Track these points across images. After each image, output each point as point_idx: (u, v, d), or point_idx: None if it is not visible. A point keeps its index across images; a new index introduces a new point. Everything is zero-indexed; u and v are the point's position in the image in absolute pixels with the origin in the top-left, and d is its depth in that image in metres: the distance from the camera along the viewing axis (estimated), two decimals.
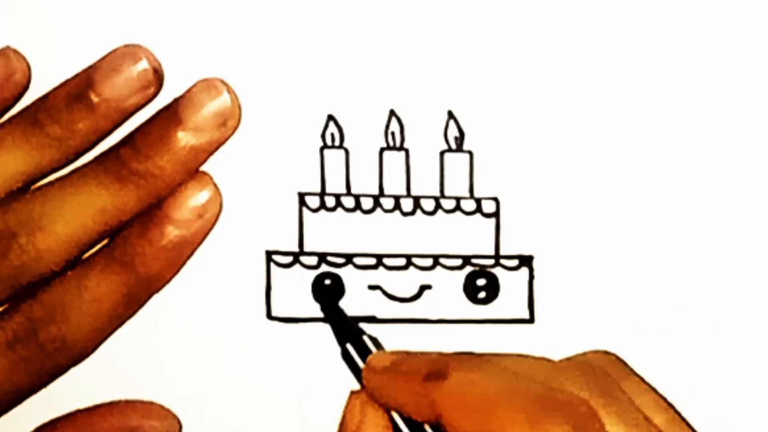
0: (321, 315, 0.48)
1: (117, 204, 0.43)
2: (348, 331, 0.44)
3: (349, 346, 0.44)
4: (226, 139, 0.43)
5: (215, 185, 0.44)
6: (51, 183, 0.44)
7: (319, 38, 0.46)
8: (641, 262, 0.47)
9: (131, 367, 0.49)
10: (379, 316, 0.49)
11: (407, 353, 0.42)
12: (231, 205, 0.47)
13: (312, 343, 0.48)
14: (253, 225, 0.48)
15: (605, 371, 0.39)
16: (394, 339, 0.48)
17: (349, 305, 0.48)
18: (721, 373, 0.47)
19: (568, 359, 0.40)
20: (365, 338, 0.44)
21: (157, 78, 0.43)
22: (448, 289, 0.48)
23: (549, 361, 0.40)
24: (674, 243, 0.47)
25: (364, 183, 0.48)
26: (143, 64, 0.43)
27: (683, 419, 0.39)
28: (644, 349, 0.47)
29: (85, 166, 0.44)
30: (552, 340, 0.47)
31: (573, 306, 0.47)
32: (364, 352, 0.44)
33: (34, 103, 0.44)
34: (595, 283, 0.47)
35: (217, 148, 0.44)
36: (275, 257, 0.48)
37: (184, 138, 0.43)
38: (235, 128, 0.43)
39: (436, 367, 0.39)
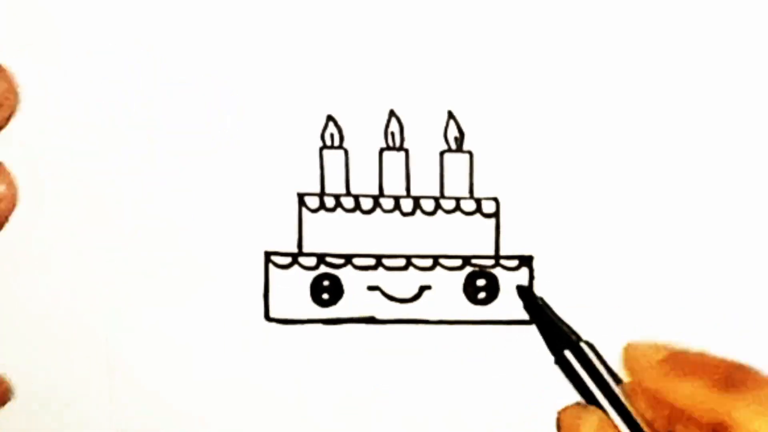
0: (319, 316, 0.48)
1: None
2: (564, 337, 0.43)
3: (567, 353, 0.43)
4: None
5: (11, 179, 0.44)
6: None
7: (319, 38, 0.46)
8: (641, 262, 0.47)
9: (131, 367, 0.49)
10: (379, 316, 0.49)
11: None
12: (229, 205, 0.47)
13: (311, 344, 0.48)
14: (252, 225, 0.48)
15: None
16: (393, 340, 0.48)
17: (348, 306, 0.48)
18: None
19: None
20: (583, 345, 0.43)
21: None
22: (447, 290, 0.48)
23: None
24: (674, 243, 0.47)
25: (364, 183, 0.48)
26: None
27: None
28: None
29: None
30: None
31: (573, 306, 0.47)
32: (582, 359, 0.43)
33: None
34: (595, 282, 0.47)
35: None
36: (274, 258, 0.48)
37: None
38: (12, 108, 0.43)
39: (733, 376, 0.38)
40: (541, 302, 0.43)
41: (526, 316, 0.47)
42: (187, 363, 0.48)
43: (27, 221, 0.48)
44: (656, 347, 0.40)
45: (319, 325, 0.48)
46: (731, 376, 0.38)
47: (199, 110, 0.47)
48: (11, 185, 0.44)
